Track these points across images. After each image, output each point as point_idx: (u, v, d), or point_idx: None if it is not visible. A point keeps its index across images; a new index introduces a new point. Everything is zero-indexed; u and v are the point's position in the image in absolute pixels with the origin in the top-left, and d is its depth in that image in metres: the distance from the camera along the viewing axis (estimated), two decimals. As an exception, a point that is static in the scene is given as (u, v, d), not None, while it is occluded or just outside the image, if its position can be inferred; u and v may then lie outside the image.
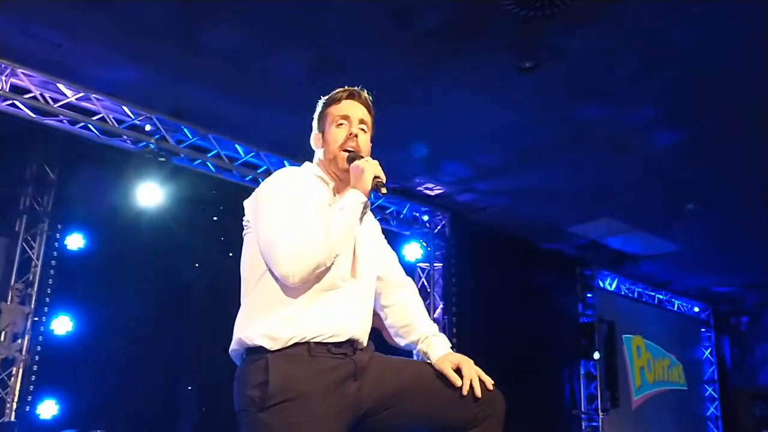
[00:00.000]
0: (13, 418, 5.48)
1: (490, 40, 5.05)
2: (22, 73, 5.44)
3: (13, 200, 5.89)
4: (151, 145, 5.96)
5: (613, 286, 10.67)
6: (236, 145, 6.52)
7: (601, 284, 10.40)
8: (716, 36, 4.93)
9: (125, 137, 5.98)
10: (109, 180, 6.06)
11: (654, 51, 5.14)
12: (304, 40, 5.13)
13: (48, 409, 5.61)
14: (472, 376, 2.10)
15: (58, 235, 5.99)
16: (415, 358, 2.32)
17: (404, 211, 7.91)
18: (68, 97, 5.66)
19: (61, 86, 5.62)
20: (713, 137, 6.39)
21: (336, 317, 2.04)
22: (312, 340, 1.99)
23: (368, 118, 2.28)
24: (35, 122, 5.61)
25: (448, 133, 6.51)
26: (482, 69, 5.42)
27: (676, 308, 11.78)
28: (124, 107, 5.90)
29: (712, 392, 11.78)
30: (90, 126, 5.81)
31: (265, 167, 6.65)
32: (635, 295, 11.08)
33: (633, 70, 5.42)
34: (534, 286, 9.27)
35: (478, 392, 2.07)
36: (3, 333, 5.54)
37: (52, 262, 5.94)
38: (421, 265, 8.06)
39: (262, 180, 2.25)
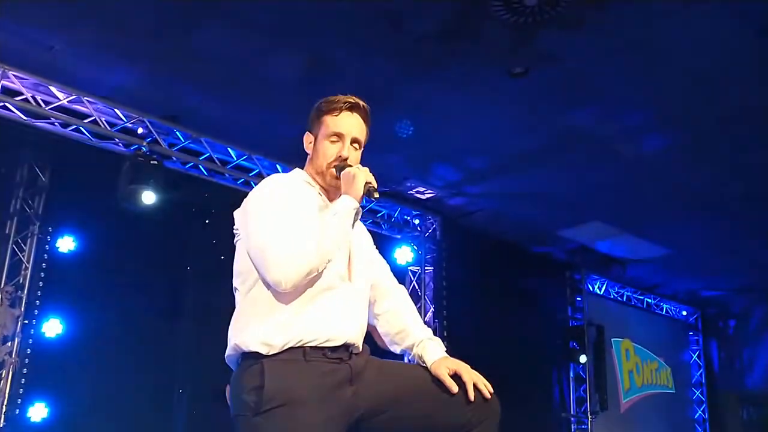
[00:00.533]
0: (2, 422, 5.45)
1: (482, 45, 5.08)
2: (14, 75, 5.41)
3: (4, 202, 5.86)
4: (143, 148, 5.95)
5: (602, 289, 10.72)
6: (228, 148, 6.52)
7: (591, 288, 10.45)
8: (707, 40, 4.98)
9: (117, 140, 5.96)
10: (100, 183, 6.03)
11: (644, 56, 5.18)
12: (296, 43, 5.14)
13: (38, 412, 5.58)
14: (473, 379, 2.10)
15: (48, 238, 5.96)
16: (406, 361, 2.33)
17: (395, 215, 7.92)
18: (60, 100, 5.64)
19: (53, 89, 5.59)
20: (702, 141, 6.44)
21: (332, 321, 2.05)
22: (307, 345, 2.00)
23: (363, 136, 2.26)
24: (26, 124, 5.59)
25: (440, 137, 6.54)
26: (474, 73, 5.45)
27: (664, 312, 11.83)
28: (116, 110, 5.89)
29: (700, 395, 11.84)
30: (82, 129, 5.79)
31: (257, 170, 6.65)
32: (624, 298, 11.13)
33: (623, 75, 5.46)
34: (524, 290, 9.29)
35: (471, 396, 2.07)
36: (-7, 336, 5.53)
37: (43, 264, 5.90)
38: (412, 268, 8.07)
39: (255, 183, 2.26)
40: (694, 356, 12.05)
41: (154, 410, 6.25)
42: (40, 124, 5.65)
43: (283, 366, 1.97)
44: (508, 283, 8.91)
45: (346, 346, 2.06)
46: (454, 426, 2.09)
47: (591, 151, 6.69)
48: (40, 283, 5.86)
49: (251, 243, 2.06)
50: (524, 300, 9.16)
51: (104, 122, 5.87)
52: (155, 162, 5.94)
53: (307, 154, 2.31)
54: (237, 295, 2.14)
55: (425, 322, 2.39)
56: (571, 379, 9.82)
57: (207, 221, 6.65)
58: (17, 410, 5.53)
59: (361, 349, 2.13)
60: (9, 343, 5.60)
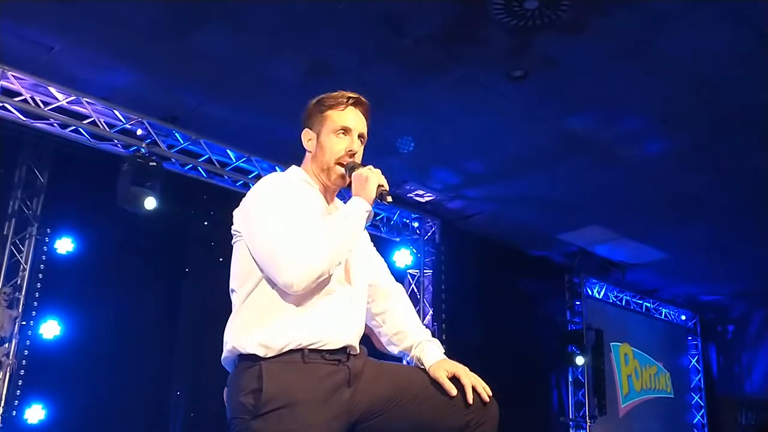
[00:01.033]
0: (-1, 423, 5.45)
1: (482, 49, 5.08)
2: (13, 75, 5.41)
3: (2, 203, 5.85)
4: (142, 150, 5.94)
5: (601, 293, 10.71)
6: (228, 150, 6.51)
7: (589, 292, 10.44)
8: (706, 45, 4.98)
9: (116, 141, 5.96)
10: (99, 184, 6.03)
11: (644, 60, 5.19)
12: (296, 46, 5.14)
13: (35, 413, 5.57)
14: (472, 382, 2.08)
15: (47, 239, 5.95)
16: (405, 363, 2.31)
17: (394, 218, 7.91)
18: (59, 101, 5.63)
19: (52, 89, 5.59)
20: (702, 146, 6.44)
21: (331, 324, 2.03)
22: (307, 347, 1.98)
23: (366, 130, 2.24)
24: (25, 125, 5.58)
25: (439, 140, 6.54)
26: (473, 77, 5.46)
27: (663, 316, 11.82)
28: (116, 111, 5.88)
29: (699, 400, 11.82)
30: (81, 129, 5.78)
31: (256, 172, 6.64)
32: (623, 302, 11.12)
33: (622, 80, 5.46)
34: (523, 293, 9.29)
35: (470, 399, 2.05)
36: (-10, 337, 5.51)
37: (41, 266, 5.90)
38: (411, 271, 8.06)
39: (253, 185, 2.21)
40: (693, 361, 12.03)
41: (152, 412, 6.24)
42: (38, 124, 5.64)
43: (281, 368, 1.95)
44: (507, 286, 8.91)
45: (344, 348, 2.05)
46: (452, 429, 2.06)
47: (590, 155, 6.69)
48: (38, 285, 5.85)
49: (257, 243, 2.02)
50: (523, 303, 9.16)
51: (103, 123, 5.87)
52: (154, 163, 5.93)
53: (304, 152, 2.25)
54: (234, 297, 2.10)
55: (424, 326, 2.37)
56: (569, 383, 9.81)
57: (206, 223, 6.65)
58: (14, 412, 5.52)
59: (358, 351, 2.11)
60: (6, 345, 5.58)
